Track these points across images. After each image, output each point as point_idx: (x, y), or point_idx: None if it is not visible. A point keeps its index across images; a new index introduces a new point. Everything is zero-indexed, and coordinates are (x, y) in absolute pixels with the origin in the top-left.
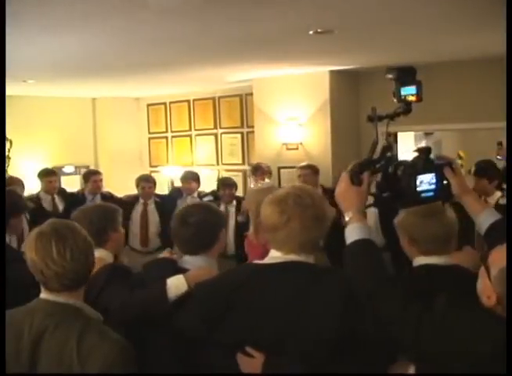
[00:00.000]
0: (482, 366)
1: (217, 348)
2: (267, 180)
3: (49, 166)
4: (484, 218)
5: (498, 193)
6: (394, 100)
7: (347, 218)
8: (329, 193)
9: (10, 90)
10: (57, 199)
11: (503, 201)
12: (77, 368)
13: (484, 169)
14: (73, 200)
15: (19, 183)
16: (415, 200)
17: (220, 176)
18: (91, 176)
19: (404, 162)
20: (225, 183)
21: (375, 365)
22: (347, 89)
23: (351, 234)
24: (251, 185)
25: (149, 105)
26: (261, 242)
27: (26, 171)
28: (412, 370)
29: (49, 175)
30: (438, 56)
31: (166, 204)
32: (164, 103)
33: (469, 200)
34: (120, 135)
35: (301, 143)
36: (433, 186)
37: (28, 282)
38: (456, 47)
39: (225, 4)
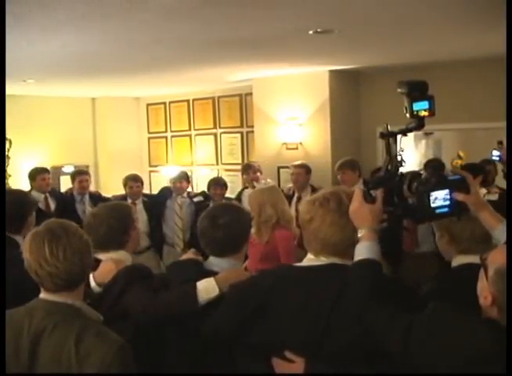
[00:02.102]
0: (469, 369)
1: (247, 350)
2: (269, 180)
3: (49, 166)
4: (502, 232)
5: (483, 190)
6: (407, 115)
7: (359, 235)
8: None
9: (10, 90)
10: (49, 198)
11: (489, 197)
12: (75, 368)
13: (467, 167)
14: (62, 200)
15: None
16: (430, 216)
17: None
18: (76, 176)
19: (417, 179)
20: (216, 183)
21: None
22: (347, 89)
23: (359, 252)
24: (245, 184)
25: (148, 105)
26: (263, 241)
27: (25, 170)
28: None
29: (42, 173)
30: (438, 55)
31: (154, 204)
32: (164, 103)
33: (485, 215)
34: (120, 134)
35: (300, 143)
36: (447, 202)
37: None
38: (456, 47)
39: (224, 4)
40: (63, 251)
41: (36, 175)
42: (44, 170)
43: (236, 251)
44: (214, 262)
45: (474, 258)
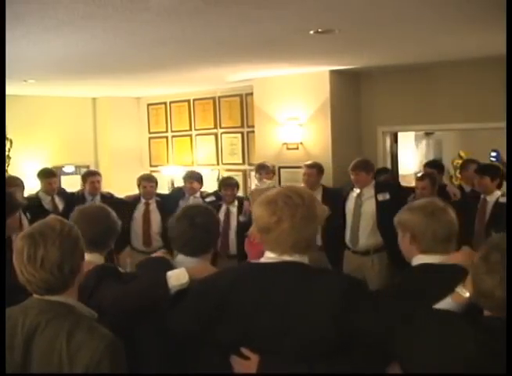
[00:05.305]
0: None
1: (210, 347)
2: (267, 181)
3: (49, 166)
4: None
5: (498, 192)
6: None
7: None
8: (330, 192)
9: (10, 90)
10: (57, 199)
11: (503, 200)
12: (66, 364)
13: (486, 168)
14: (72, 201)
15: (18, 183)
16: None
17: (220, 176)
18: (88, 177)
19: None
20: (227, 183)
21: (371, 365)
22: (347, 89)
23: None
24: (254, 184)
25: (149, 105)
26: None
27: (26, 170)
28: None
29: (49, 177)
30: (438, 56)
31: (167, 204)
32: (165, 103)
33: None
34: (121, 134)
35: (301, 143)
36: None
37: None
38: (456, 47)
39: (225, 4)
40: (40, 261)
41: (42, 178)
42: (50, 174)
43: (206, 252)
44: (182, 260)
45: (433, 258)
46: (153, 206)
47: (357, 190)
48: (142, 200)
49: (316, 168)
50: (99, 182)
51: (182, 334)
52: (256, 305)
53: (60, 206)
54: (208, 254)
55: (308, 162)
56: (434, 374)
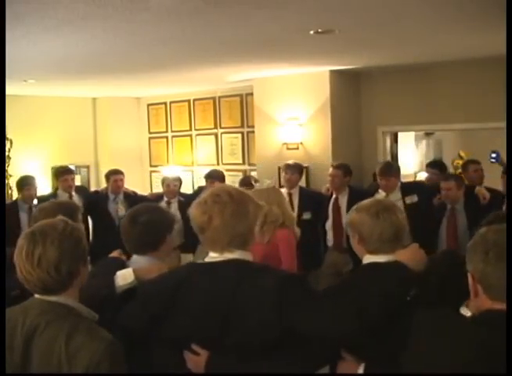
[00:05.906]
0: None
1: (160, 345)
2: (268, 181)
3: (49, 166)
4: None
5: None
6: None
7: None
8: (357, 193)
9: (10, 90)
10: (75, 196)
11: None
12: (65, 366)
13: None
14: (95, 199)
15: (31, 182)
16: None
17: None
18: (111, 176)
19: None
20: (246, 182)
21: (315, 362)
22: (347, 89)
23: None
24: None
25: (149, 105)
26: (264, 241)
27: (26, 170)
28: (361, 369)
29: (64, 174)
30: (438, 56)
31: (189, 204)
32: (165, 103)
33: None
34: (121, 134)
35: (301, 143)
36: None
37: None
38: (456, 47)
39: (225, 4)
40: (37, 260)
41: (58, 176)
42: (65, 171)
43: (154, 249)
44: (135, 259)
45: (381, 258)
46: (174, 205)
47: (382, 193)
48: (165, 199)
49: (342, 170)
50: (121, 180)
51: (132, 333)
52: (203, 304)
53: (79, 204)
54: (157, 252)
55: (335, 163)
56: (433, 374)
